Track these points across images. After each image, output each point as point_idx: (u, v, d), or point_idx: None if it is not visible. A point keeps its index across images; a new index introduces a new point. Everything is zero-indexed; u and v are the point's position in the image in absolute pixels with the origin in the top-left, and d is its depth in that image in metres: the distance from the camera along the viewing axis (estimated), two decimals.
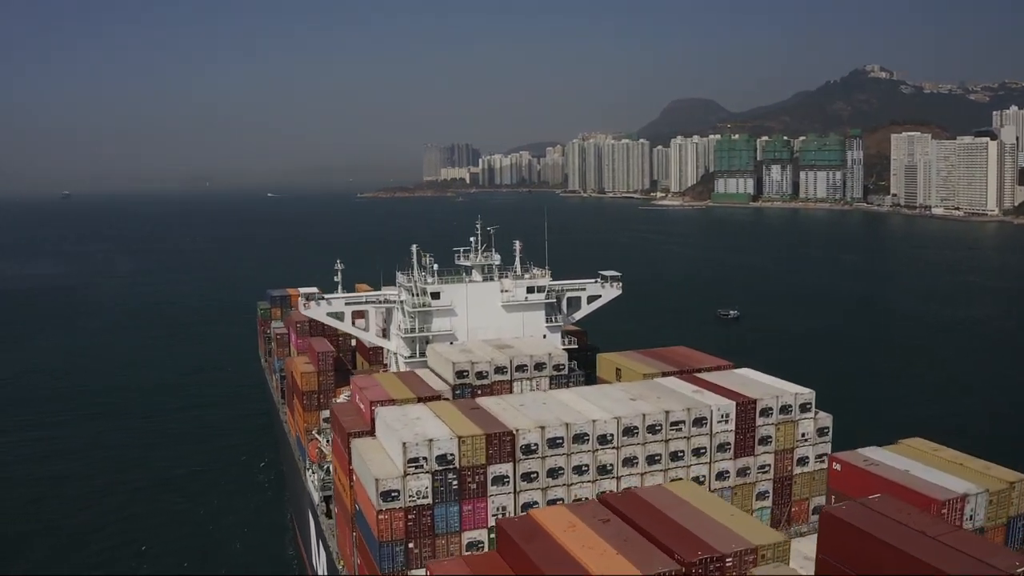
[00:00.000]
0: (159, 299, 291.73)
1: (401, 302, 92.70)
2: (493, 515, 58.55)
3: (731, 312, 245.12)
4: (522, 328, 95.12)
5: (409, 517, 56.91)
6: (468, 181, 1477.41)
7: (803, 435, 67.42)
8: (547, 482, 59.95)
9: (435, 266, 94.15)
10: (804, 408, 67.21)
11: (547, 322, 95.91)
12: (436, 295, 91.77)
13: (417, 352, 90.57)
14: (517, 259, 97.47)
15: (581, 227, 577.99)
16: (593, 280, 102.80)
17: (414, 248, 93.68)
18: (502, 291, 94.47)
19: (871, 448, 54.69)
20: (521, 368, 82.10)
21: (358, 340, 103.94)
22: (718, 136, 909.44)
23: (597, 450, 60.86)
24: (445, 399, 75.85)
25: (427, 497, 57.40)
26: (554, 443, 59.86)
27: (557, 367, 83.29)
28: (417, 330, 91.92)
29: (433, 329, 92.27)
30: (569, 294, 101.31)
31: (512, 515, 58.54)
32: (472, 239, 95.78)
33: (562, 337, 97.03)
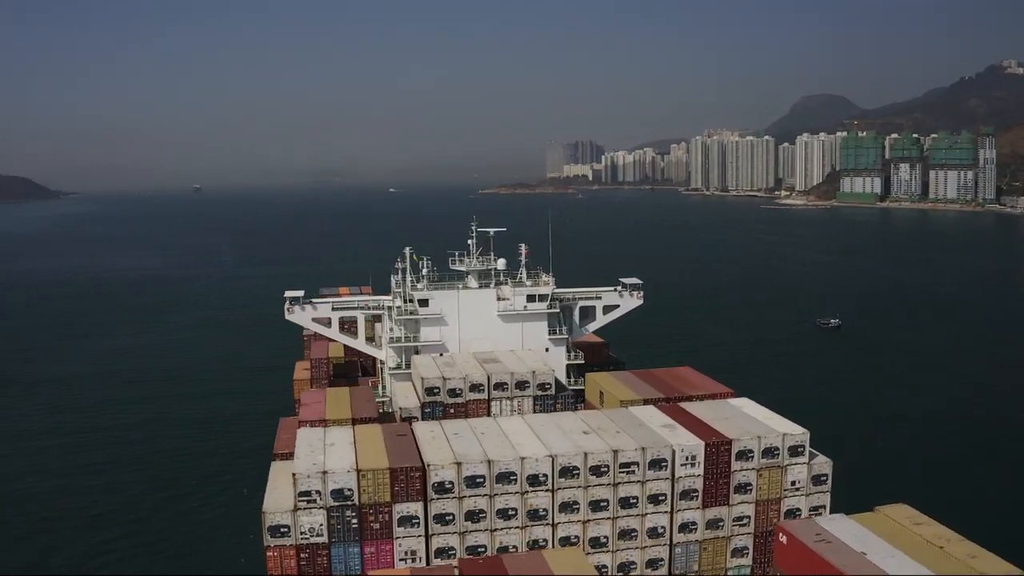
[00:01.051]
0: (253, 293, 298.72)
1: (389, 308, 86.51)
2: (400, 560, 51.47)
3: (832, 321, 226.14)
4: (521, 340, 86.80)
5: (302, 556, 50.59)
6: (591, 178, 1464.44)
7: (793, 483, 56.48)
8: (466, 526, 52.13)
9: (431, 270, 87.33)
10: (795, 451, 56.22)
11: (551, 334, 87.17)
12: (424, 302, 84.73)
13: (404, 363, 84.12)
14: (522, 265, 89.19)
15: (699, 226, 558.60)
16: (611, 288, 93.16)
17: (407, 251, 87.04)
18: (499, 299, 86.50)
19: (835, 517, 44.26)
20: (500, 386, 74.08)
21: None
22: (844, 134, 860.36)
23: (527, 492, 52.50)
24: (409, 419, 69.58)
25: (322, 535, 50.91)
26: (473, 482, 51.95)
27: (542, 386, 74.76)
28: (403, 339, 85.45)
29: (421, 339, 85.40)
30: (582, 303, 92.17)
31: (424, 561, 51.43)
32: (469, 241, 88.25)
33: (569, 351, 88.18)
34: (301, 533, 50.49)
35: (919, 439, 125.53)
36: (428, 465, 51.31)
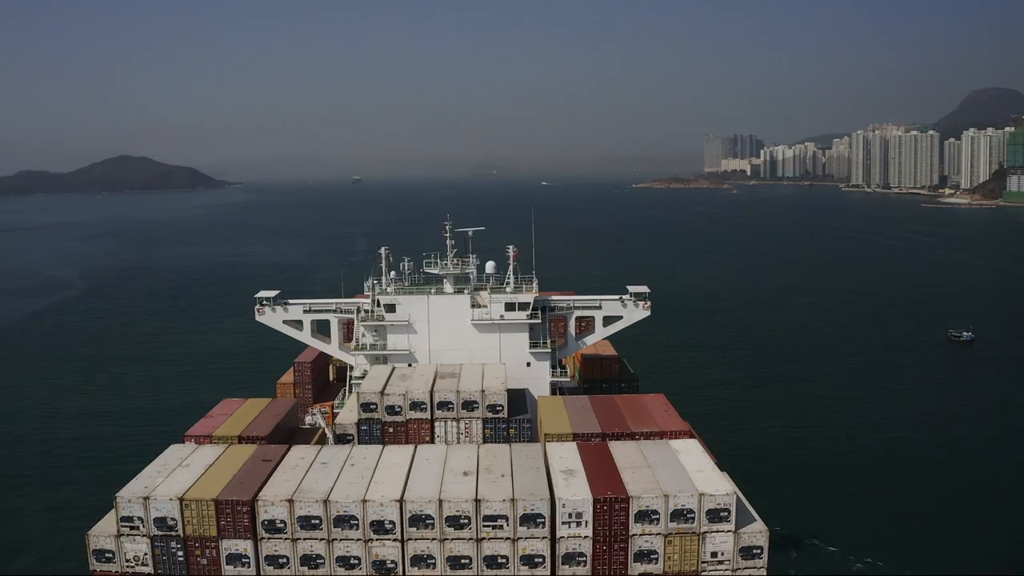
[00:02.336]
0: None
1: (359, 312, 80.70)
2: None
3: (964, 334, 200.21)
4: (499, 352, 78.72)
5: None
6: (748, 173, 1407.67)
7: (715, 554, 45.87)
8: (302, 571, 45.56)
9: (411, 272, 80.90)
10: (716, 516, 45.56)
11: (533, 347, 78.45)
12: (391, 307, 78.22)
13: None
14: (509, 269, 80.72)
15: (854, 226, 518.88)
16: (614, 297, 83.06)
17: (382, 251, 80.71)
18: (474, 306, 78.66)
19: None
20: (444, 406, 66.67)
21: None
22: (1012, 129, 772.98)
23: (371, 540, 45.19)
24: (343, 437, 63.95)
25: (147, 565, 45.93)
26: (308, 523, 45.23)
27: (493, 408, 66.56)
28: (369, 347, 79.45)
29: (388, 347, 79.05)
30: (579, 313, 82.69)
31: None
32: (452, 241, 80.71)
33: (555, 368, 79.21)
34: (126, 561, 45.81)
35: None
36: (257, 500, 45.10)
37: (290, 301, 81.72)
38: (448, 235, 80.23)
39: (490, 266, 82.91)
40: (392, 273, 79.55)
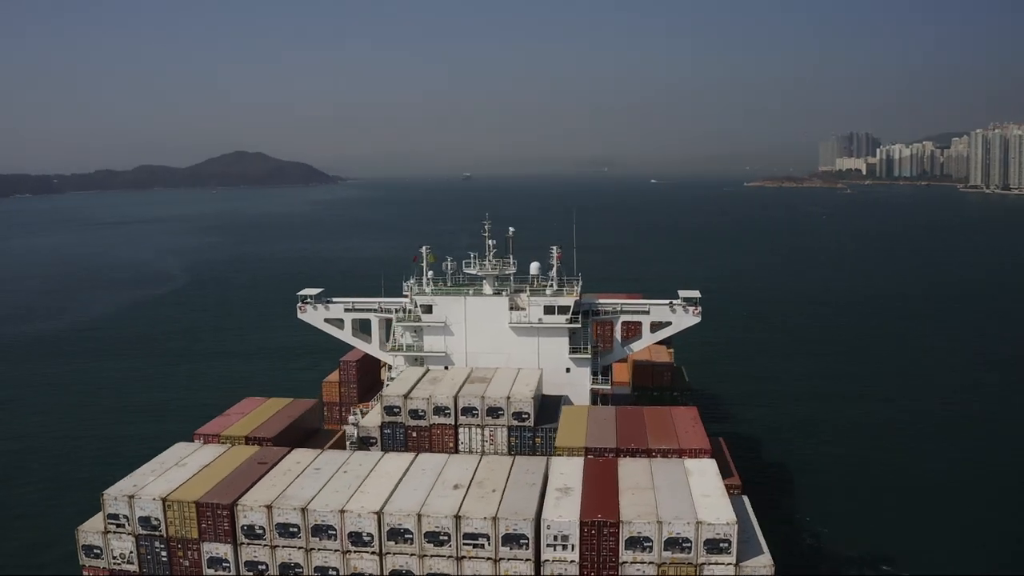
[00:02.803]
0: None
1: (397, 312, 79.46)
2: None
3: None
4: (537, 357, 76.00)
5: None
6: (864, 172, 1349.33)
7: None
8: None
9: (453, 273, 78.99)
10: (716, 547, 41.77)
11: (573, 352, 75.36)
12: (427, 308, 76.65)
13: None
14: (553, 270, 77.90)
15: (966, 228, 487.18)
16: (663, 302, 79.01)
17: (423, 250, 79.25)
18: (512, 309, 76.12)
19: None
20: (469, 411, 64.71)
21: None
22: None
23: (348, 552, 43.60)
24: (366, 440, 63.17)
25: (133, 563, 45.88)
26: (286, 531, 44.04)
27: (519, 415, 64.18)
28: (405, 348, 78.08)
29: (424, 348, 77.50)
30: (625, 318, 79.06)
31: None
32: (491, 242, 78.47)
33: (597, 375, 75.81)
34: (113, 558, 45.90)
35: None
36: (236, 505, 44.22)
37: (333, 299, 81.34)
38: (487, 235, 77.99)
39: (534, 267, 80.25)
40: (430, 273, 77.96)
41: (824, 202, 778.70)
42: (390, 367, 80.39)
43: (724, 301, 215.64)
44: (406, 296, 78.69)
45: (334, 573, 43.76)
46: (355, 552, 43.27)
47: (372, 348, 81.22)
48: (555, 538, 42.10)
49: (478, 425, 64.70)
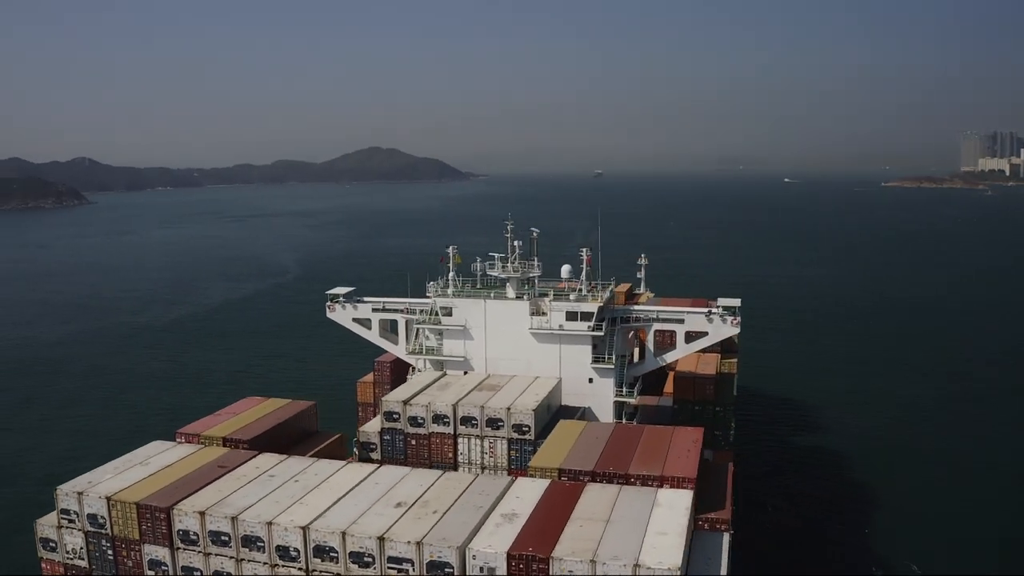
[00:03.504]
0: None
1: (418, 314, 77.43)
2: None
3: None
4: (559, 365, 72.29)
5: None
6: (1007, 173, 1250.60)
7: None
8: None
9: (478, 274, 76.27)
10: None
11: (596, 362, 71.17)
12: (447, 311, 74.29)
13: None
14: (584, 273, 73.97)
15: None
16: (700, 310, 73.51)
17: (450, 250, 76.91)
18: (534, 314, 72.59)
19: None
20: (468, 421, 62.18)
21: None
22: None
23: (276, 565, 41.92)
24: (366, 446, 61.84)
25: (84, 559, 46.10)
26: (218, 539, 42.85)
27: (519, 428, 61.05)
28: (424, 350, 75.98)
29: (444, 352, 75.13)
30: (658, 326, 74.13)
31: None
32: (517, 243, 74.93)
33: (621, 387, 71.41)
34: (66, 552, 46.28)
35: None
36: (172, 508, 43.43)
37: (364, 299, 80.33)
38: (509, 235, 74.88)
39: (565, 270, 76.89)
40: (451, 274, 75.61)
41: (962, 203, 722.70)
42: (416, 370, 78.69)
43: (828, 312, 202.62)
44: (430, 297, 76.85)
45: None
46: (283, 566, 41.54)
47: (398, 350, 79.64)
48: (480, 569, 38.88)
49: (478, 436, 62.10)
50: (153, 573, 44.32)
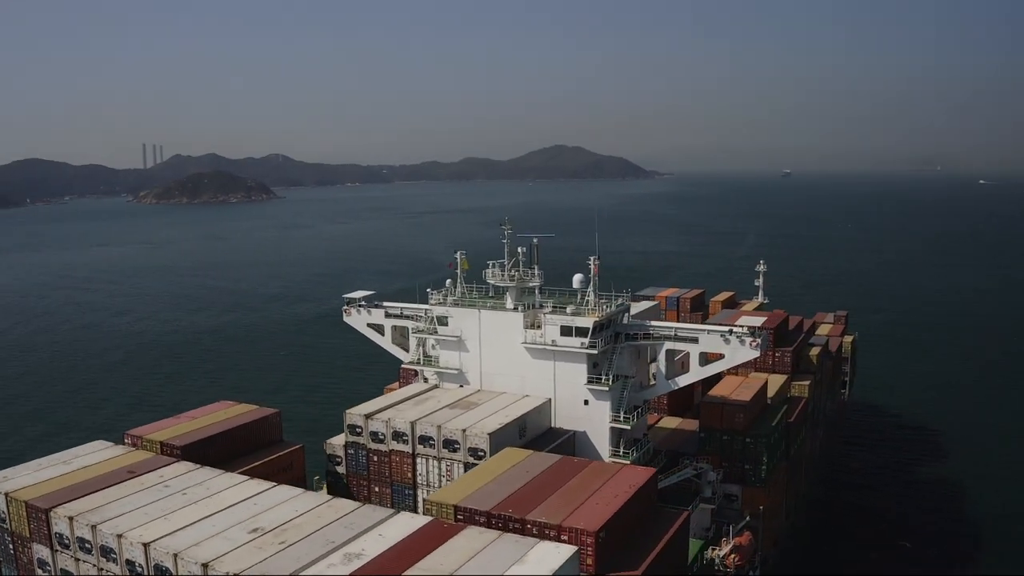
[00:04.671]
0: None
1: (414, 322, 74.59)
2: None
3: None
4: (553, 384, 67.25)
5: None
6: None
7: None
8: None
9: (481, 283, 72.33)
10: None
11: (591, 382, 65.46)
12: (443, 320, 71.07)
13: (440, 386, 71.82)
14: (592, 284, 68.28)
15: None
16: (717, 330, 65.96)
17: (458, 255, 73.66)
18: (528, 327, 67.79)
19: None
20: (426, 441, 59.29)
21: None
22: None
23: None
24: (331, 458, 61.06)
25: None
26: (83, 545, 42.90)
27: (475, 452, 57.33)
28: (422, 361, 73.16)
29: (440, 363, 71.92)
30: (670, 346, 67.20)
31: None
32: (523, 249, 70.04)
33: (619, 409, 65.30)
34: None
35: None
36: (50, 510, 43.99)
37: (383, 304, 78.92)
38: (506, 240, 70.54)
39: (577, 280, 70.89)
40: (448, 281, 72.50)
41: None
42: (424, 380, 76.28)
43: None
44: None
45: None
46: None
47: (410, 356, 77.53)
48: None
49: (435, 457, 59.07)
50: (41, 571, 45.19)
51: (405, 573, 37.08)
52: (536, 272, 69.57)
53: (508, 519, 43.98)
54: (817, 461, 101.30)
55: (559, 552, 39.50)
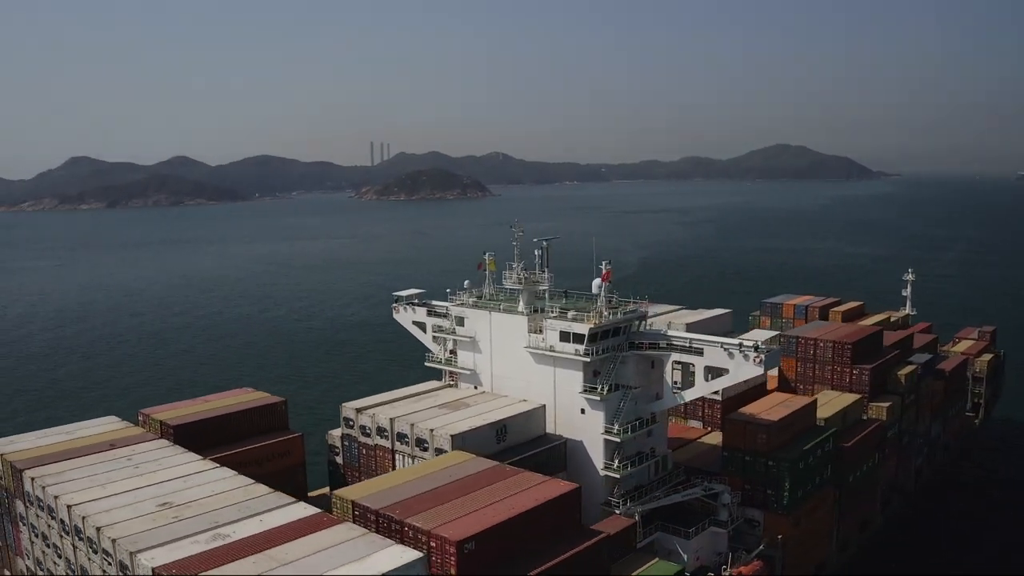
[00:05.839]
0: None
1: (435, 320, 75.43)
2: None
3: None
4: (553, 390, 65.85)
5: None
6: None
7: None
8: None
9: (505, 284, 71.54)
10: None
11: (586, 391, 63.41)
12: (461, 320, 71.64)
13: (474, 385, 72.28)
14: (603, 289, 66.03)
15: None
16: (724, 341, 61.74)
17: (487, 256, 73.61)
18: (531, 331, 66.61)
19: None
20: (402, 438, 61.08)
21: None
22: None
23: (64, 538, 46.83)
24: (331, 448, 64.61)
25: None
26: (39, 503, 49.22)
27: (440, 452, 58.11)
28: (444, 360, 73.99)
29: (458, 363, 72.49)
30: (676, 357, 63.57)
31: None
32: (537, 252, 69.18)
33: (614, 421, 62.75)
34: None
35: None
36: (23, 472, 50.66)
37: (431, 303, 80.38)
38: (515, 242, 69.75)
39: (596, 285, 68.72)
40: (467, 282, 72.89)
41: None
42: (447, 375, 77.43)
43: None
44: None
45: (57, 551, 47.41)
46: (69, 541, 46.14)
47: (435, 356, 78.45)
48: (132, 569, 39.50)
49: (410, 455, 60.65)
50: (22, 524, 52.18)
51: (247, 559, 38.99)
52: (547, 275, 68.58)
53: (391, 520, 44.58)
54: (910, 491, 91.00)
55: (402, 556, 39.69)
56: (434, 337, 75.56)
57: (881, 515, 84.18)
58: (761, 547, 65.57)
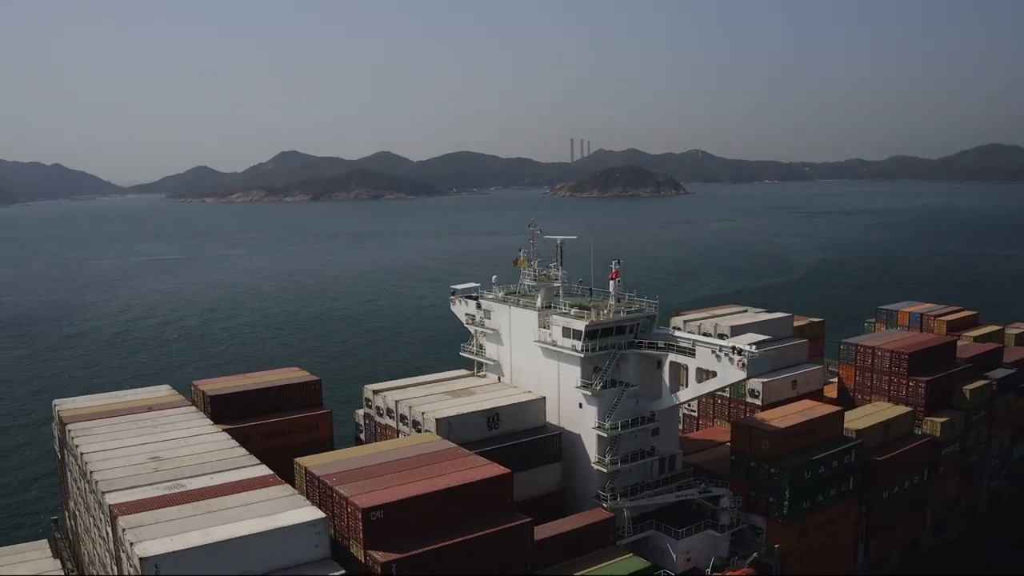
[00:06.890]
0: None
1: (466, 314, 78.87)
2: None
3: None
4: (558, 383, 67.89)
5: None
6: None
7: None
8: None
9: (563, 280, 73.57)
10: None
11: (584, 386, 65.18)
12: (488, 314, 75.18)
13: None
14: (612, 286, 67.33)
15: None
16: (710, 345, 61.17)
17: (522, 253, 76.01)
18: (540, 326, 68.84)
19: None
20: (403, 420, 65.93)
21: None
22: None
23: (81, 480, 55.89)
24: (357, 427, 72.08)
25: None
26: (72, 451, 58.48)
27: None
28: (476, 352, 77.54)
29: (486, 354, 76.05)
30: (672, 357, 63.75)
31: None
32: (560, 249, 71.80)
33: (605, 417, 63.97)
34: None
35: None
36: (67, 425, 60.49)
37: (484, 296, 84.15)
38: (532, 240, 72.18)
39: (613, 285, 70.23)
40: (494, 277, 76.25)
41: None
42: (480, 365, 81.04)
43: None
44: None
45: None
46: (80, 481, 55.07)
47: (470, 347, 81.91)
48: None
49: (407, 435, 64.82)
50: (68, 471, 62.21)
51: (185, 505, 45.26)
52: (560, 272, 70.74)
53: (325, 486, 49.28)
54: (983, 513, 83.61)
55: (304, 515, 44.21)
56: (472, 329, 79.66)
57: (934, 536, 78.22)
58: (756, 555, 63.94)
